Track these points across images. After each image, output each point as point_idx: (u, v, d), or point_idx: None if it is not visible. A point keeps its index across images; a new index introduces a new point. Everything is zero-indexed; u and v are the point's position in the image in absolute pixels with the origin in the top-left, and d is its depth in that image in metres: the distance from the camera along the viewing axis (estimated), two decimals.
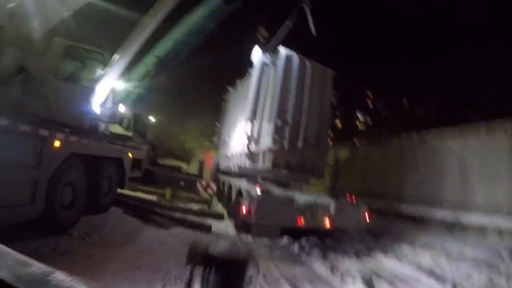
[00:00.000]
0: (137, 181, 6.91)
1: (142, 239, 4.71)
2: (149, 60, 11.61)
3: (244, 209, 5.20)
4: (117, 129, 10.72)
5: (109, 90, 5.38)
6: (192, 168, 12.69)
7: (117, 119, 6.55)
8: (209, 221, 6.34)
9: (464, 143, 7.71)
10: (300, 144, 6.79)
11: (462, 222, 7.01)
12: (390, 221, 8.14)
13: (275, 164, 6.56)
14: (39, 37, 4.19)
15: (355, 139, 12.35)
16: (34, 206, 3.33)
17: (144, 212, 5.84)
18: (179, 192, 8.57)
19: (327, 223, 5.41)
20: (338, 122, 18.44)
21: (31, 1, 3.94)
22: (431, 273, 4.35)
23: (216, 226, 6.19)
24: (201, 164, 7.78)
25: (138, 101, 11.91)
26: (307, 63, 7.11)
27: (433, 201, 7.87)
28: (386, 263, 4.79)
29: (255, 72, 6.91)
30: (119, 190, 6.13)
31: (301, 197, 5.65)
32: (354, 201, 6.21)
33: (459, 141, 7.85)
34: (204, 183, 7.45)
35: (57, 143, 3.57)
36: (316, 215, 5.42)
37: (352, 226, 5.84)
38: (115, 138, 7.20)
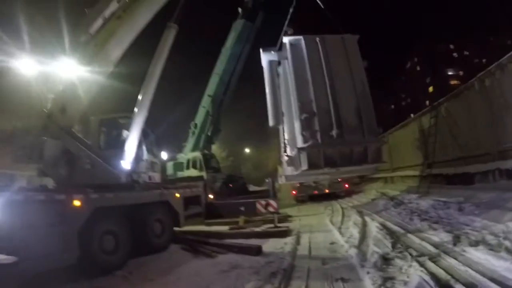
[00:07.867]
0: (201, 216, 7.50)
1: (178, 271, 4.96)
2: (205, 101, 13.13)
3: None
4: (192, 172, 12.31)
5: (138, 144, 6.32)
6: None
7: (157, 166, 7.48)
8: (270, 241, 6.27)
9: None
10: (335, 132, 5.82)
11: None
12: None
13: (312, 164, 5.83)
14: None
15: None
16: (68, 254, 4.27)
17: (198, 245, 6.18)
18: (253, 217, 8.65)
19: (327, 190, 13.22)
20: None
21: None
22: None
23: (272, 245, 5.95)
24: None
25: (207, 142, 13.46)
26: (318, 39, 6.26)
27: None
28: None
29: (265, 74, 6.61)
30: (182, 228, 6.84)
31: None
32: (340, 180, 12.94)
33: None
34: (263, 202, 7.44)
35: (77, 203, 4.50)
36: (321, 188, 13.14)
37: (338, 190, 13.48)
38: (187, 180, 8.24)
